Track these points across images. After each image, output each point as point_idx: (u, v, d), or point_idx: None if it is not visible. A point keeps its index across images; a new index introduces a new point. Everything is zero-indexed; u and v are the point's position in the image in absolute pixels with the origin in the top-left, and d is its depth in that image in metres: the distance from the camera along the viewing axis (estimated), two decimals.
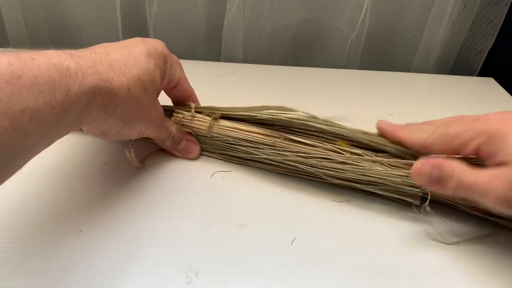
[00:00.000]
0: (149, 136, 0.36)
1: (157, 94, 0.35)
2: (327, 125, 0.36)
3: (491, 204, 0.27)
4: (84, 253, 0.30)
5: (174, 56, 0.37)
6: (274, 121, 0.36)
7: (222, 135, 0.38)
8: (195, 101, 0.41)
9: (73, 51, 0.28)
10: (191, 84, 0.40)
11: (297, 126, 0.37)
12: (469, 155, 0.30)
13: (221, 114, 0.38)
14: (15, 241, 0.30)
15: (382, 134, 0.36)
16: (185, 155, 0.39)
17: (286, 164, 0.37)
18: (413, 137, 0.33)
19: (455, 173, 0.29)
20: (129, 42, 0.34)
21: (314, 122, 0.36)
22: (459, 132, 0.30)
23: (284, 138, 0.36)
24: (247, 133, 0.37)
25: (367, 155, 0.35)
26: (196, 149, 0.39)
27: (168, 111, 0.39)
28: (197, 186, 0.36)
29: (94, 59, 0.28)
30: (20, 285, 0.27)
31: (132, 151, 0.36)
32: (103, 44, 0.32)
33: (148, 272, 0.29)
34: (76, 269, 0.29)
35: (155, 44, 0.34)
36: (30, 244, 0.30)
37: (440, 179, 0.29)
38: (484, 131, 0.29)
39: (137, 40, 0.34)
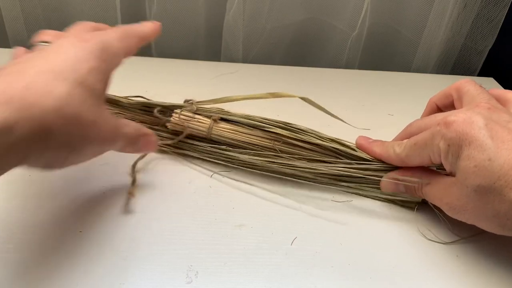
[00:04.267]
0: (108, 150, 0.30)
1: (102, 100, 0.28)
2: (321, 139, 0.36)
3: (444, 210, 0.31)
4: (84, 253, 0.30)
5: (109, 33, 0.29)
6: (270, 127, 0.37)
7: (221, 136, 0.38)
8: None
9: None
10: (190, 84, 0.40)
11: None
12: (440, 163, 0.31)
13: (221, 116, 0.38)
14: (15, 241, 0.30)
15: (360, 149, 0.37)
16: (146, 151, 0.35)
17: (286, 169, 0.36)
18: (390, 153, 0.35)
19: (417, 186, 0.33)
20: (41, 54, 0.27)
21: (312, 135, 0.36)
22: (426, 139, 0.31)
23: (283, 142, 0.36)
24: (247, 135, 0.37)
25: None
26: (152, 140, 0.33)
27: (167, 111, 0.39)
28: (197, 186, 0.36)
29: (4, 82, 0.23)
30: (20, 286, 0.27)
31: (134, 193, 0.34)
32: (14, 62, 0.27)
33: (148, 272, 0.29)
34: (75, 269, 0.29)
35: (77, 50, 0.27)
36: (30, 244, 0.30)
37: (409, 191, 0.34)
38: (444, 136, 0.29)
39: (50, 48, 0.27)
